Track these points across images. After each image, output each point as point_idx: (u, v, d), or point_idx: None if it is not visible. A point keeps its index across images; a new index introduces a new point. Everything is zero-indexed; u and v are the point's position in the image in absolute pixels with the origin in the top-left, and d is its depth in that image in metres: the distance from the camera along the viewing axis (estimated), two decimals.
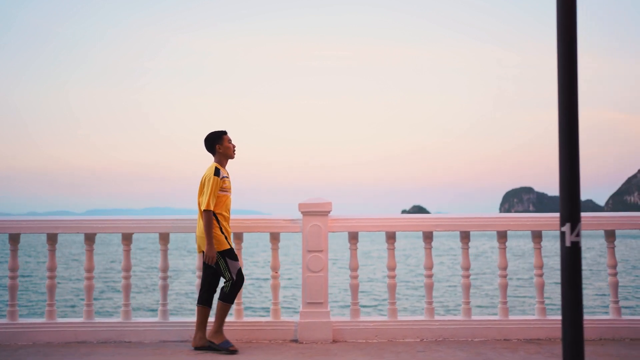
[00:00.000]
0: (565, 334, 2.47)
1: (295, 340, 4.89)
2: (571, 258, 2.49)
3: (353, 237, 5.11)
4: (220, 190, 4.57)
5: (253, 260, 38.06)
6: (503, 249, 5.11)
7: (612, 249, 5.13)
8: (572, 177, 2.49)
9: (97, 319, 5.04)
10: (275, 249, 5.11)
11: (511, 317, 5.05)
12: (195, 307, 4.70)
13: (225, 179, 4.65)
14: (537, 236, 5.13)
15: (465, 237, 5.12)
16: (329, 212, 4.94)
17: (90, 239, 5.07)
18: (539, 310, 5.06)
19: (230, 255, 4.57)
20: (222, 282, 4.66)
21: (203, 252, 4.58)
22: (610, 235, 5.11)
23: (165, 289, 5.05)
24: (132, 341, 4.88)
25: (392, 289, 5.10)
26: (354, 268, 5.10)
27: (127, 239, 5.08)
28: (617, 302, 5.09)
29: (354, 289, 5.09)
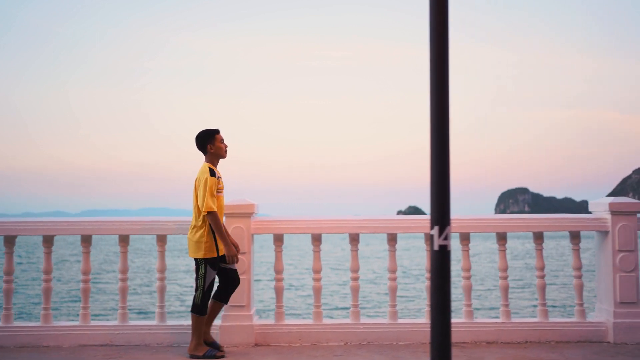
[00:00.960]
0: (433, 338, 2.44)
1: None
2: (439, 262, 2.45)
3: (278, 239, 5.05)
4: (216, 191, 4.48)
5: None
6: (429, 251, 5.05)
7: (539, 251, 5.09)
8: (442, 180, 2.45)
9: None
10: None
11: (552, 319, 5.02)
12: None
13: (220, 179, 4.56)
14: (502, 238, 5.09)
15: (392, 239, 5.07)
16: (252, 213, 4.88)
17: (86, 240, 5.02)
18: (467, 314, 5.01)
19: (212, 264, 4.47)
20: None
21: (197, 258, 4.45)
22: (501, 238, 5.06)
23: (162, 290, 5.01)
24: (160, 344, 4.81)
25: (317, 291, 5.04)
26: (278, 271, 5.04)
27: (124, 240, 5.04)
28: (544, 304, 5.05)
29: (279, 292, 5.04)
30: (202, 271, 4.44)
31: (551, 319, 5.03)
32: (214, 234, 4.45)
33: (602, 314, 5.04)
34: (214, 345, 4.54)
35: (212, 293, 4.55)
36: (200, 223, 4.44)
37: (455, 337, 4.88)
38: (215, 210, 4.38)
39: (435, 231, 2.44)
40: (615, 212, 4.93)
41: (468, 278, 5.06)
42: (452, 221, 4.87)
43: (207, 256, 4.42)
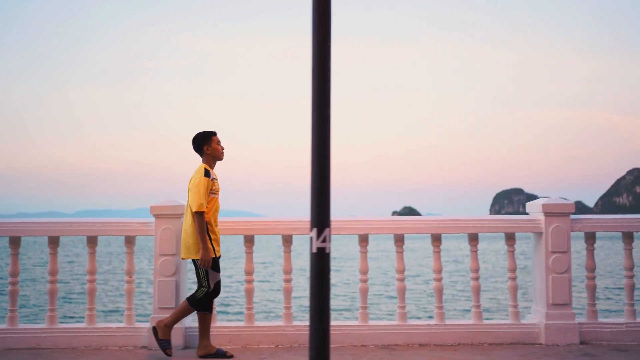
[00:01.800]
0: (311, 343, 2.39)
1: (145, 347, 4.78)
2: (318, 264, 2.41)
3: None
4: (209, 192, 4.43)
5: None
6: (364, 253, 5.03)
7: (437, 253, 5.04)
8: (323, 182, 2.40)
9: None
10: (130, 252, 5.00)
11: (370, 323, 4.96)
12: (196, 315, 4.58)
13: (215, 180, 4.51)
14: (436, 239, 5.05)
15: (287, 241, 5.02)
16: (181, 214, 4.83)
17: (92, 241, 4.98)
18: (400, 316, 4.97)
19: (214, 265, 4.43)
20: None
21: (193, 260, 4.44)
22: (436, 239, 5.01)
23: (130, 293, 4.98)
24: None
25: (249, 293, 5.00)
26: (13, 274, 4.95)
27: (131, 242, 5.00)
28: (478, 306, 5.02)
29: (13, 295, 4.95)
30: (203, 273, 4.41)
31: (485, 321, 5.00)
32: (209, 234, 4.42)
33: (536, 315, 5.01)
34: (169, 344, 4.45)
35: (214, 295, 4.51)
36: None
37: (387, 340, 4.85)
38: (204, 211, 4.35)
39: (313, 233, 2.40)
40: (548, 213, 4.90)
41: (402, 280, 5.02)
42: (412, 222, 4.88)
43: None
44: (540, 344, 4.84)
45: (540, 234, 4.95)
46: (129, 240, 4.98)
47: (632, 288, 5.03)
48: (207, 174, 4.43)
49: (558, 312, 4.85)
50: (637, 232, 5.03)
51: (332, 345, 4.81)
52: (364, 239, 5.00)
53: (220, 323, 4.95)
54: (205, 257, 4.35)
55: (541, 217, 4.95)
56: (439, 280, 5.04)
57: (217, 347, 4.57)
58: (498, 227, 5.02)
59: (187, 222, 4.47)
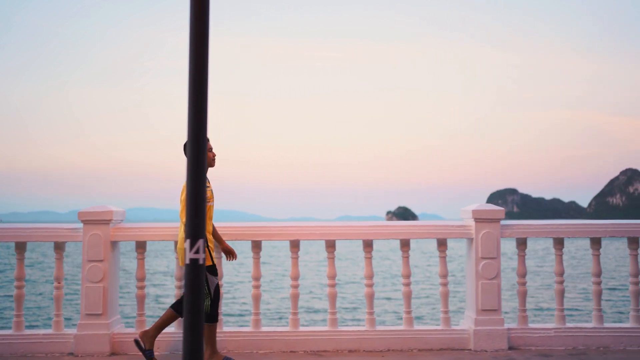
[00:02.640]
0: (185, 353, 2.39)
1: (72, 354, 4.76)
2: (191, 276, 2.40)
3: (140, 246, 4.98)
4: None
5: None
6: (295, 259, 5.02)
7: (369, 259, 5.04)
8: (198, 195, 2.40)
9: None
10: (59, 258, 4.98)
11: (300, 329, 4.95)
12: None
13: (207, 188, 4.44)
14: (367, 245, 5.04)
15: (256, 246, 5.02)
16: (110, 220, 4.81)
17: (20, 247, 4.95)
18: (331, 322, 4.96)
19: (212, 270, 4.40)
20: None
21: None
22: (367, 245, 5.00)
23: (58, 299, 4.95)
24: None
25: (140, 300, 4.99)
26: (140, 278, 4.98)
27: (61, 248, 4.99)
28: (409, 312, 5.02)
29: (140, 300, 4.97)
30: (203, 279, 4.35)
31: (416, 327, 5.00)
32: (205, 242, 4.36)
33: (467, 321, 5.02)
34: (153, 354, 4.42)
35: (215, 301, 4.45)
36: None
37: (316, 346, 4.84)
38: None
39: (187, 244, 2.40)
40: (478, 219, 4.90)
41: (333, 286, 5.01)
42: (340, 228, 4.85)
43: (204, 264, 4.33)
44: (469, 349, 4.84)
45: (472, 239, 4.96)
46: (58, 246, 4.96)
47: (561, 293, 5.04)
48: None
49: (487, 318, 4.86)
50: (567, 237, 5.05)
51: (260, 352, 4.82)
52: (295, 245, 5.00)
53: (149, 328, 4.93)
54: None
55: (472, 223, 4.95)
56: (370, 286, 5.04)
57: (224, 355, 4.52)
58: (429, 233, 5.02)
59: (181, 231, 4.41)
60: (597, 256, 5.10)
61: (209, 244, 4.46)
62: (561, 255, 5.09)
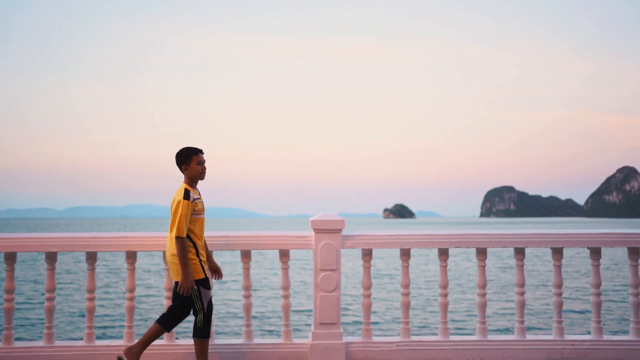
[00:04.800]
0: None
1: None
2: None
3: (50, 257, 4.82)
4: (192, 213, 4.20)
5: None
6: (246, 269, 4.88)
7: (246, 270, 4.91)
8: None
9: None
10: (131, 269, 4.86)
11: (256, 341, 4.84)
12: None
13: (197, 200, 4.26)
14: (245, 256, 4.89)
15: (246, 255, 4.88)
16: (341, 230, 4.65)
17: (91, 257, 4.82)
18: (295, 333, 4.83)
19: (204, 284, 4.25)
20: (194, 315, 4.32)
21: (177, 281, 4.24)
22: (284, 255, 4.88)
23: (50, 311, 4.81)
24: None
25: (129, 311, 4.84)
26: (49, 290, 4.82)
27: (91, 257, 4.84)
28: (249, 325, 4.88)
29: (48, 312, 4.83)
30: (195, 294, 4.22)
31: (256, 340, 4.86)
32: (197, 253, 4.24)
33: (309, 335, 4.88)
34: None
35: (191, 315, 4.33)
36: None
37: (275, 356, 4.68)
38: (184, 236, 4.12)
39: None
40: (318, 229, 4.77)
41: (248, 297, 4.87)
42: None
43: (196, 278, 4.21)
44: None
45: (313, 251, 4.82)
46: (130, 256, 4.84)
47: (407, 306, 4.91)
48: (186, 195, 4.18)
49: (325, 332, 4.73)
50: (413, 248, 4.91)
51: None
52: (246, 255, 4.88)
53: (58, 342, 4.80)
54: (184, 284, 4.14)
55: (311, 233, 4.82)
56: (248, 297, 4.87)
57: None
58: (272, 244, 4.86)
59: (169, 244, 4.28)
60: (483, 267, 4.94)
61: (201, 257, 4.29)
62: (407, 267, 4.95)
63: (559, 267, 4.95)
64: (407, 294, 4.93)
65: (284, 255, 4.92)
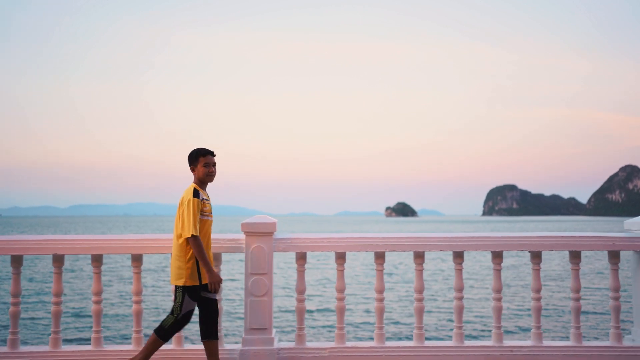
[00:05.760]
0: None
1: None
2: None
3: (15, 261, 4.72)
4: (200, 214, 4.13)
5: None
6: (137, 274, 4.74)
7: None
8: None
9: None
10: (137, 272, 4.78)
11: (186, 347, 4.72)
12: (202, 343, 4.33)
13: (206, 201, 4.21)
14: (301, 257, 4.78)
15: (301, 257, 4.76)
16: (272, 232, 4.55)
17: (97, 260, 4.75)
18: (177, 340, 4.73)
19: (192, 293, 4.14)
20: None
21: (177, 286, 4.13)
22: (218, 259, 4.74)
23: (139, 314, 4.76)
24: None
25: (97, 315, 4.76)
26: (56, 293, 4.72)
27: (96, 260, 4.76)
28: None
29: (55, 316, 4.74)
30: (179, 299, 4.13)
31: (185, 346, 4.73)
32: (197, 259, 4.14)
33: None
34: None
35: (179, 326, 4.21)
36: (182, 247, 4.12)
37: None
38: (198, 234, 4.05)
39: None
40: (248, 232, 4.63)
41: (139, 303, 4.75)
42: None
43: (188, 284, 4.11)
44: None
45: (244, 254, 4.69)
46: (96, 259, 4.76)
47: (342, 311, 4.78)
48: (196, 194, 4.13)
49: (255, 337, 4.60)
50: (349, 252, 4.78)
51: None
52: (217, 258, 4.76)
53: (24, 348, 4.70)
54: (213, 280, 4.09)
55: (242, 236, 4.69)
56: (139, 303, 4.77)
57: None
58: (218, 247, 4.73)
59: (175, 246, 4.17)
60: (420, 271, 4.80)
61: (206, 260, 4.15)
62: (343, 271, 4.82)
63: (498, 272, 4.81)
64: (342, 299, 4.80)
65: (216, 259, 4.79)
